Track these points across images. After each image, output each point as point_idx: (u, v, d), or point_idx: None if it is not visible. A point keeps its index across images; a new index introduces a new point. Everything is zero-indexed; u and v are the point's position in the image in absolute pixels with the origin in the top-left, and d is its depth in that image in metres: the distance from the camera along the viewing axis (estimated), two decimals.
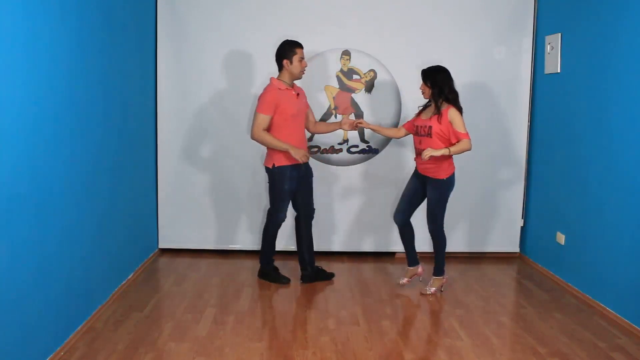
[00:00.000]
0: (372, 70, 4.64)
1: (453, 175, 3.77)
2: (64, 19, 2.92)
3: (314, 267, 4.14)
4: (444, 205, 3.81)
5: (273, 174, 3.89)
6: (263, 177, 4.70)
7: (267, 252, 4.14)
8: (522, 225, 4.83)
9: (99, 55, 3.40)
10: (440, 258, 3.93)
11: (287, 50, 3.84)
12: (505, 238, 4.84)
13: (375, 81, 4.65)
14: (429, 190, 3.81)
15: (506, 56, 4.64)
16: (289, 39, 3.91)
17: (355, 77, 4.65)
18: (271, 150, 3.88)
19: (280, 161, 3.84)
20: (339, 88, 4.66)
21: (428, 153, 3.55)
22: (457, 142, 3.63)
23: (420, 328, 3.39)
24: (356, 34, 4.61)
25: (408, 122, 3.94)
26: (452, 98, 3.68)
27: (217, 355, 2.96)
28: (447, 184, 3.75)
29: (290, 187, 3.92)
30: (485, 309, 3.67)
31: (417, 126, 3.79)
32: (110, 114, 3.62)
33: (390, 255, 4.79)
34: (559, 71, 4.25)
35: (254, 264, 4.54)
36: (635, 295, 3.36)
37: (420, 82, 3.76)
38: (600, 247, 3.72)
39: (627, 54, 3.46)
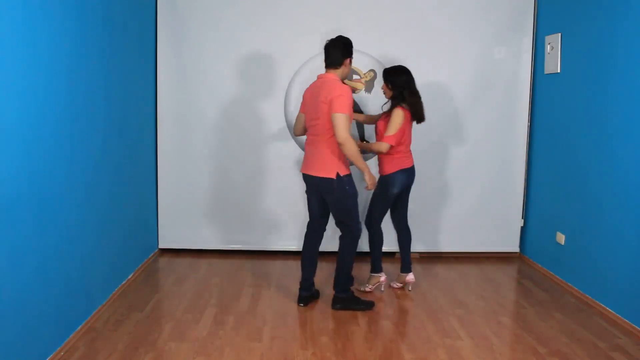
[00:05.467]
0: (372, 70, 4.64)
1: (393, 175, 3.72)
2: (64, 20, 2.92)
3: (313, 286, 3.80)
4: (381, 202, 3.80)
5: (342, 183, 3.41)
6: (262, 177, 4.72)
7: (348, 274, 3.65)
8: (522, 225, 4.84)
9: (99, 55, 3.40)
10: (374, 255, 3.93)
11: (349, 49, 3.46)
12: (505, 238, 4.84)
13: (375, 81, 4.65)
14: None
15: (506, 56, 4.64)
16: (344, 35, 3.53)
17: (355, 77, 4.65)
18: (335, 158, 3.40)
19: (344, 169, 3.42)
20: None
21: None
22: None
23: (420, 328, 3.39)
24: (356, 34, 4.58)
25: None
26: (414, 100, 3.65)
27: (217, 355, 2.96)
28: (385, 182, 3.75)
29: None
30: (485, 309, 3.67)
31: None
32: (111, 114, 3.62)
33: (390, 255, 4.80)
34: (559, 71, 4.26)
35: (254, 264, 4.55)
36: (635, 295, 3.36)
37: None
38: (600, 247, 3.72)
39: (627, 53, 3.46)
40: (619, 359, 3.01)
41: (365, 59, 4.62)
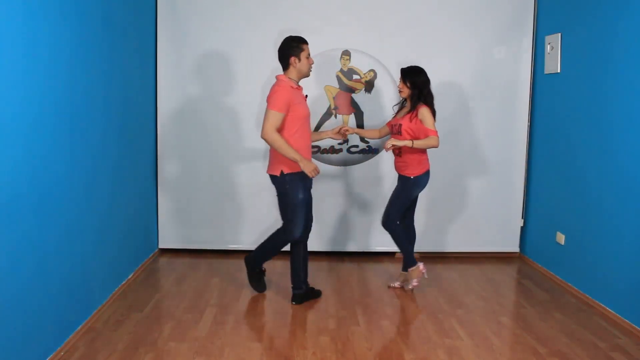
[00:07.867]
0: (372, 70, 4.64)
1: (421, 177, 3.76)
2: (64, 20, 2.92)
3: (307, 285, 3.80)
4: (403, 202, 3.81)
5: (283, 182, 3.49)
6: (262, 177, 4.71)
7: (259, 260, 3.79)
8: (522, 225, 4.83)
9: (99, 55, 3.40)
10: (404, 251, 3.92)
11: (293, 46, 3.48)
12: (505, 238, 4.84)
13: (375, 81, 4.65)
14: (397, 184, 3.86)
15: (506, 56, 4.65)
16: (291, 34, 3.61)
17: (355, 77, 4.65)
18: (277, 155, 3.47)
19: (291, 167, 3.46)
20: (339, 88, 4.66)
21: (391, 142, 3.61)
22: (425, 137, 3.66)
23: (420, 328, 3.39)
24: (356, 34, 4.61)
25: (388, 122, 3.96)
26: (430, 101, 3.71)
27: (217, 355, 2.96)
28: (413, 183, 3.76)
29: (305, 197, 3.55)
30: (485, 309, 3.67)
31: (391, 125, 3.84)
32: (111, 114, 3.62)
33: (390, 255, 4.80)
34: (559, 71, 4.26)
35: None
36: (635, 295, 3.36)
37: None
38: (600, 247, 3.72)
39: (626, 54, 3.46)
40: (619, 359, 3.01)
41: (366, 59, 4.62)
